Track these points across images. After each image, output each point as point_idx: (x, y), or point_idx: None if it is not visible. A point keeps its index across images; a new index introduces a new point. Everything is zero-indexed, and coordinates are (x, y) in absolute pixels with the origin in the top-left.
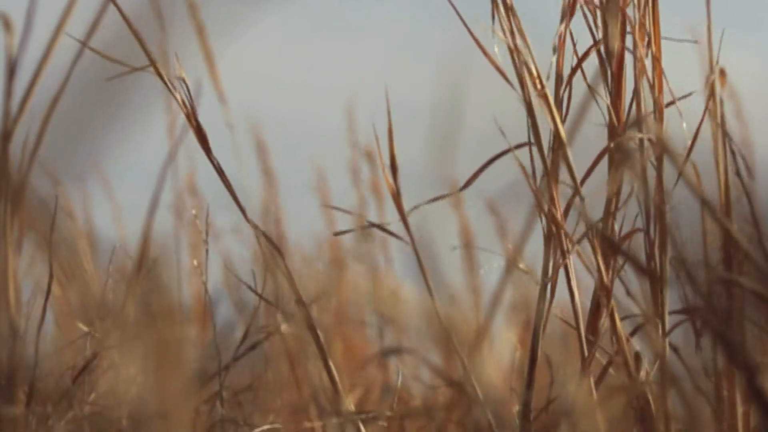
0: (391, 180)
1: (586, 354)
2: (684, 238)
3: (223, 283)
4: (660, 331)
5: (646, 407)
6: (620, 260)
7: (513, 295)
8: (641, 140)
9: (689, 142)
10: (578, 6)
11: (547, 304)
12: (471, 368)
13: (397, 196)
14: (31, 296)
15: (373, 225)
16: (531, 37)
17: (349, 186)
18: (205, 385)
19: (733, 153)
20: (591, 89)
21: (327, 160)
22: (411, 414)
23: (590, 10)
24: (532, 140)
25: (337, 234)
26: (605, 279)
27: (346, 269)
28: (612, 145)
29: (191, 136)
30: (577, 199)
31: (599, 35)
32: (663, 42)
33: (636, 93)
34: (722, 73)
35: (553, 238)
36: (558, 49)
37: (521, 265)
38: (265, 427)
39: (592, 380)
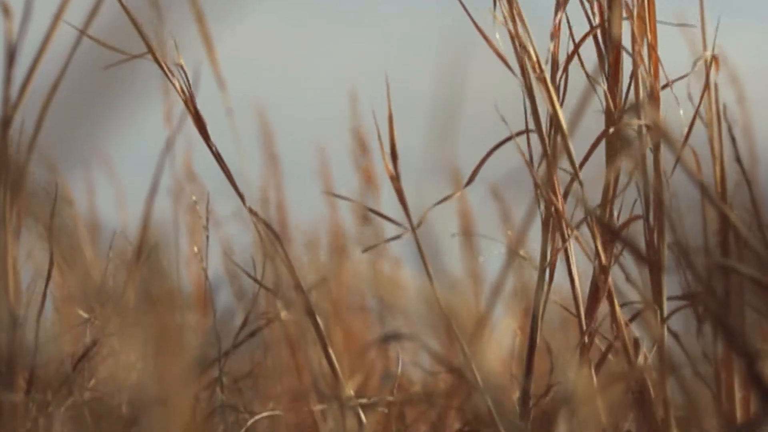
0: (391, 167)
1: (586, 340)
2: (683, 224)
3: (223, 269)
4: (659, 317)
5: (645, 393)
6: (619, 246)
7: (514, 281)
8: (639, 126)
9: (686, 128)
10: None
11: (546, 290)
12: (471, 355)
13: (397, 182)
14: (31, 282)
15: (373, 212)
16: (531, 23)
17: (352, 172)
18: (205, 371)
19: (733, 139)
20: (588, 76)
21: (328, 146)
22: (411, 400)
23: None
24: (532, 127)
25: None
26: (604, 264)
27: (346, 255)
28: (610, 131)
29: (191, 122)
30: (576, 185)
31: (596, 22)
32: (662, 30)
33: (634, 78)
34: (715, 58)
35: (552, 224)
36: (554, 36)
37: (522, 252)
38: (265, 413)
39: (591, 367)
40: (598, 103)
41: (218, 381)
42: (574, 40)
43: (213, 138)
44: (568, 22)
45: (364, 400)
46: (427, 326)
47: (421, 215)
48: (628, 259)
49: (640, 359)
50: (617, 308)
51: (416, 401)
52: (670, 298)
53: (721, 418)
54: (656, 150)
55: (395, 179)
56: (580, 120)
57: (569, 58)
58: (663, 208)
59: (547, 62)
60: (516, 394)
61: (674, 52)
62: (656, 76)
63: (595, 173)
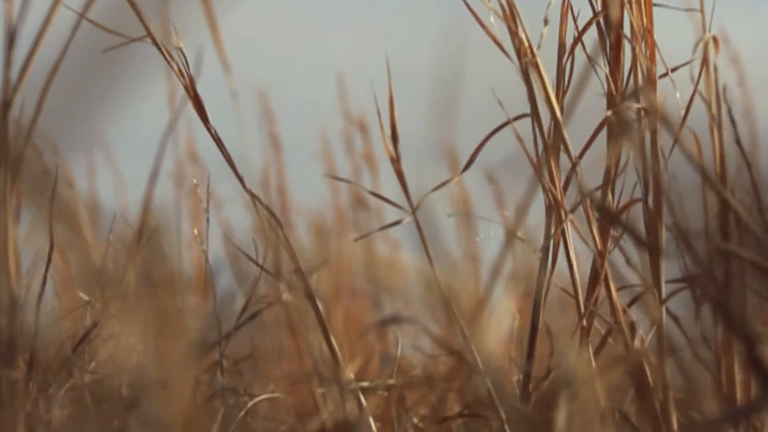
0: (391, 148)
1: (585, 323)
2: (683, 207)
3: (223, 252)
4: (658, 300)
5: (645, 376)
6: (619, 230)
7: (513, 264)
8: (639, 110)
9: (684, 110)
10: None
11: (547, 273)
12: (471, 337)
13: (397, 164)
14: (31, 265)
15: (373, 194)
16: (527, 7)
17: (350, 155)
18: (205, 354)
19: (733, 121)
20: (590, 59)
21: (330, 129)
22: (411, 383)
23: None
24: (531, 111)
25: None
26: (603, 248)
27: (346, 238)
28: (609, 114)
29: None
30: (575, 170)
31: (598, 6)
32: (667, 13)
33: (634, 61)
34: (715, 39)
35: (552, 208)
36: (561, 20)
37: (520, 235)
38: (265, 396)
39: (591, 350)
40: (598, 87)
41: (218, 364)
42: (576, 25)
43: (215, 120)
44: (570, 7)
45: (364, 383)
46: (426, 309)
47: (420, 198)
48: (627, 242)
49: (640, 342)
50: (613, 291)
51: (416, 384)
52: (669, 281)
53: (721, 401)
54: (655, 133)
55: (395, 161)
56: (580, 104)
57: (574, 43)
58: (662, 191)
59: (539, 47)
60: (516, 377)
61: (678, 36)
62: (653, 59)
63: (594, 157)
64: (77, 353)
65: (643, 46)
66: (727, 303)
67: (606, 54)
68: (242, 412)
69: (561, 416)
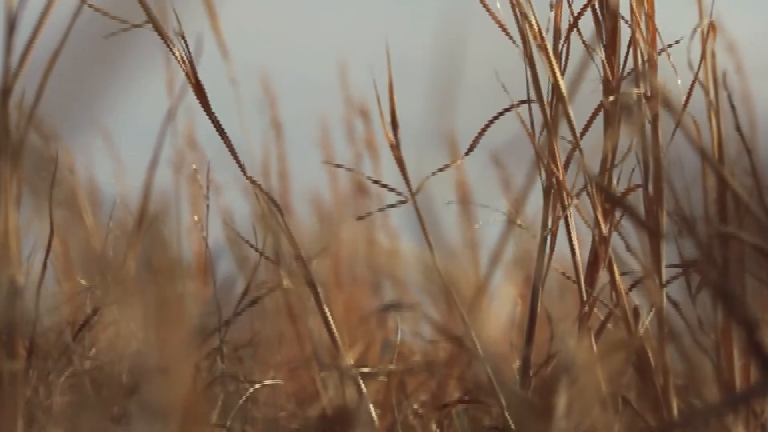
0: (391, 135)
1: (586, 309)
2: (683, 191)
3: (223, 238)
4: (658, 284)
5: (645, 361)
6: (619, 214)
7: (513, 250)
8: (638, 95)
9: (685, 95)
10: None
11: (547, 258)
12: (471, 324)
13: (397, 151)
14: (31, 251)
15: (373, 180)
16: None
17: (351, 141)
18: (205, 340)
19: (732, 107)
20: (587, 45)
21: (330, 116)
22: (411, 369)
23: None
24: (533, 95)
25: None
26: (604, 232)
27: (346, 225)
28: (610, 99)
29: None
30: (576, 153)
31: None
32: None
33: (632, 47)
34: (713, 25)
35: (552, 192)
36: (556, 5)
37: (520, 220)
38: (266, 382)
39: (591, 335)
40: (596, 72)
41: (219, 350)
42: (572, 10)
43: (215, 107)
44: None
45: (364, 369)
46: (426, 295)
47: (419, 184)
48: (628, 227)
49: (640, 327)
50: (617, 275)
51: (416, 370)
52: (669, 266)
53: (721, 386)
54: (655, 118)
55: (395, 148)
56: (579, 89)
57: (571, 27)
58: (662, 175)
59: (547, 31)
60: (516, 363)
61: (678, 22)
62: (653, 44)
63: (594, 142)
64: (77, 340)
65: (644, 30)
66: (727, 288)
67: (602, 39)
68: (242, 399)
69: (561, 402)
